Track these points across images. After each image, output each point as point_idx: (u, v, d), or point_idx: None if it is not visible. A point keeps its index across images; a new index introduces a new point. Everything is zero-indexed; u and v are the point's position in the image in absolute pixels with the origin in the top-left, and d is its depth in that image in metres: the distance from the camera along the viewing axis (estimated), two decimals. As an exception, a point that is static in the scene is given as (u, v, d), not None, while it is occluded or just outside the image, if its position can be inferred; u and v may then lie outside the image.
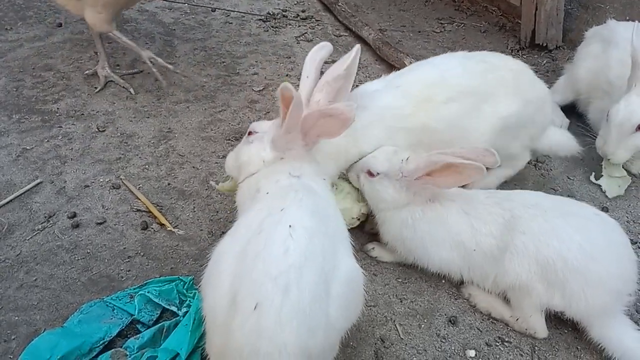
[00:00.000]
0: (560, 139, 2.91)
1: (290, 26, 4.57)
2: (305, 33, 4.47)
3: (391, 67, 3.91)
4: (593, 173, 3.07)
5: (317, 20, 4.69)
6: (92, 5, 3.27)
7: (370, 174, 2.34)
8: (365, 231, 2.60)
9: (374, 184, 2.34)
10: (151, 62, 3.49)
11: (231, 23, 4.52)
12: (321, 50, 2.43)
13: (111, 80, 3.68)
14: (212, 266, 1.74)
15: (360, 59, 4.07)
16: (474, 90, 2.51)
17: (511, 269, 2.12)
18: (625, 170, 3.04)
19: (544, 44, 4.24)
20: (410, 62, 3.82)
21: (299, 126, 1.98)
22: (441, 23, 4.76)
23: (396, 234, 2.35)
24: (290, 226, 1.65)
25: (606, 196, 2.96)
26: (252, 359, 1.53)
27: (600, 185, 3.01)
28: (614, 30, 3.30)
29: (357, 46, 2.34)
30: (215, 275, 1.69)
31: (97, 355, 2.03)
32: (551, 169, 3.14)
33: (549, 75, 3.97)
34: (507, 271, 2.13)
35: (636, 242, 2.65)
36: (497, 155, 2.13)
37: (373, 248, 2.53)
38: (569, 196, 2.92)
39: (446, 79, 2.51)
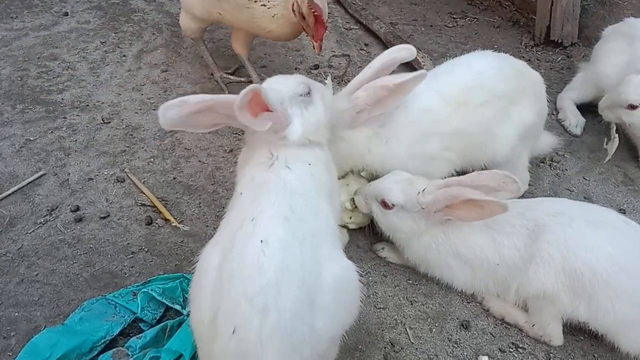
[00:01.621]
0: (542, 139, 2.90)
1: (300, 18, 4.48)
2: (315, 26, 4.38)
3: (402, 61, 3.81)
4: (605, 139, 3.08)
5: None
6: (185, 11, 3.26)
7: (385, 205, 2.22)
8: (375, 231, 2.52)
9: (390, 216, 2.23)
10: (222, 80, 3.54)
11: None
12: (400, 51, 2.34)
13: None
14: (195, 280, 1.66)
15: (371, 53, 4.05)
16: (506, 95, 2.47)
17: (536, 280, 2.04)
18: None
19: (559, 41, 4.13)
20: (423, 57, 3.74)
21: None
22: (453, 17, 4.65)
23: (420, 258, 2.28)
24: (262, 241, 1.54)
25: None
26: None
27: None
28: (635, 26, 3.24)
29: (424, 72, 2.20)
30: (198, 290, 1.62)
31: (98, 355, 1.98)
32: (566, 169, 3.05)
33: (564, 73, 3.87)
34: (531, 281, 2.06)
35: (654, 246, 2.57)
36: (520, 183, 2.06)
37: (383, 248, 2.46)
38: (584, 197, 2.86)
39: (483, 81, 2.45)
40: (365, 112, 2.29)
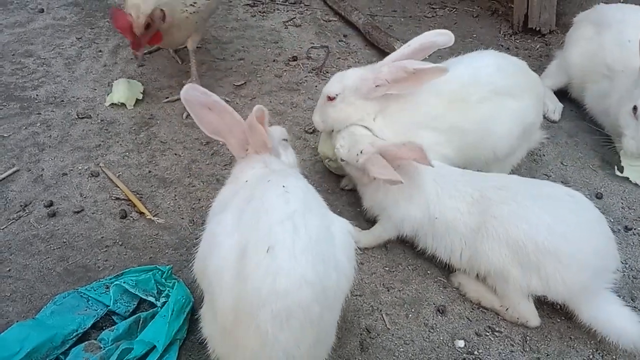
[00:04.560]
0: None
1: (278, 11, 4.46)
2: (294, 18, 4.36)
3: (381, 52, 3.81)
4: (616, 167, 2.89)
5: (305, 5, 4.58)
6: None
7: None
8: (343, 205, 2.50)
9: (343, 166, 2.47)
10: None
11: (218, 8, 4.39)
12: (438, 36, 2.41)
13: None
14: (205, 241, 1.71)
15: (349, 45, 4.04)
16: (504, 91, 2.46)
17: (483, 252, 2.09)
18: None
19: (537, 29, 4.14)
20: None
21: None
22: (432, 8, 4.65)
23: (374, 200, 2.39)
24: (283, 186, 1.67)
25: (635, 184, 2.83)
26: (271, 299, 1.49)
27: (628, 178, 2.84)
28: (603, 13, 3.23)
29: (444, 67, 2.30)
30: (212, 242, 1.64)
31: (70, 348, 1.95)
32: (544, 155, 3.05)
33: (542, 60, 3.87)
34: (479, 253, 2.10)
35: (631, 229, 2.58)
36: (429, 158, 2.12)
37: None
38: (562, 182, 2.85)
39: (480, 77, 2.44)
40: (384, 87, 2.35)
